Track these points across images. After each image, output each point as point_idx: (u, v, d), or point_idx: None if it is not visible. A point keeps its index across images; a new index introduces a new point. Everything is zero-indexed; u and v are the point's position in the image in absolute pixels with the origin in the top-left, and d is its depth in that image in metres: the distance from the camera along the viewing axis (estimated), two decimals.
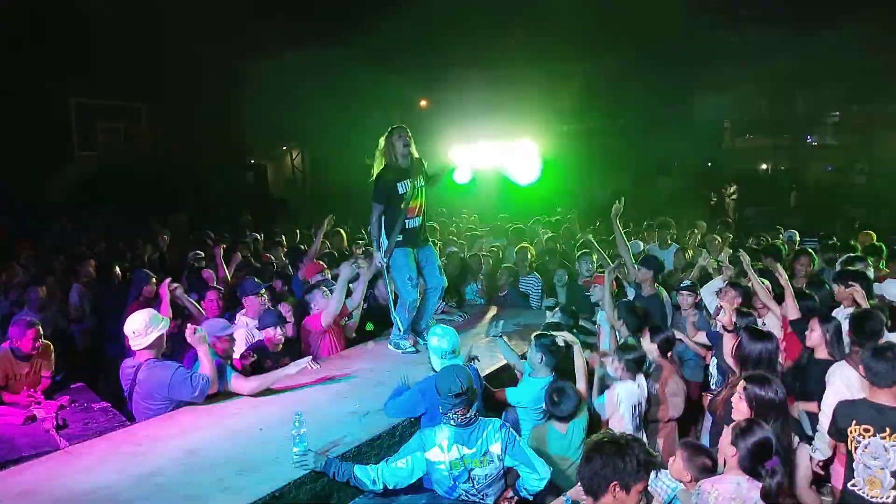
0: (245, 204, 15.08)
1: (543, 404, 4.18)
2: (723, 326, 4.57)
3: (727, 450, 3.06)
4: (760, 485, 2.95)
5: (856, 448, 3.49)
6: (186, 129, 14.89)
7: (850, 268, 5.60)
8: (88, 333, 6.90)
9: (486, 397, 4.29)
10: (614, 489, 2.51)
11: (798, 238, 8.57)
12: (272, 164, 21.98)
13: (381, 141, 5.32)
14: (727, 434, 3.09)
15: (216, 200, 15.07)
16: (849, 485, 3.55)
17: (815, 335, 4.33)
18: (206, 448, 3.62)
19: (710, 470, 3.20)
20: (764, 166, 23.02)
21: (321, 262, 6.82)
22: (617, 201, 6.10)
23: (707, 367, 5.16)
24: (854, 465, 3.51)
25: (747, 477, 2.99)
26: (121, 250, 9.30)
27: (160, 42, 13.25)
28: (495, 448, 3.38)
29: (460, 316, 6.44)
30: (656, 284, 6.04)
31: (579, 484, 2.69)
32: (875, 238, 7.80)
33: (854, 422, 3.49)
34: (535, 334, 4.48)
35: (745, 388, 3.45)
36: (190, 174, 15.81)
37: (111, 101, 15.20)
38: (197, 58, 14.11)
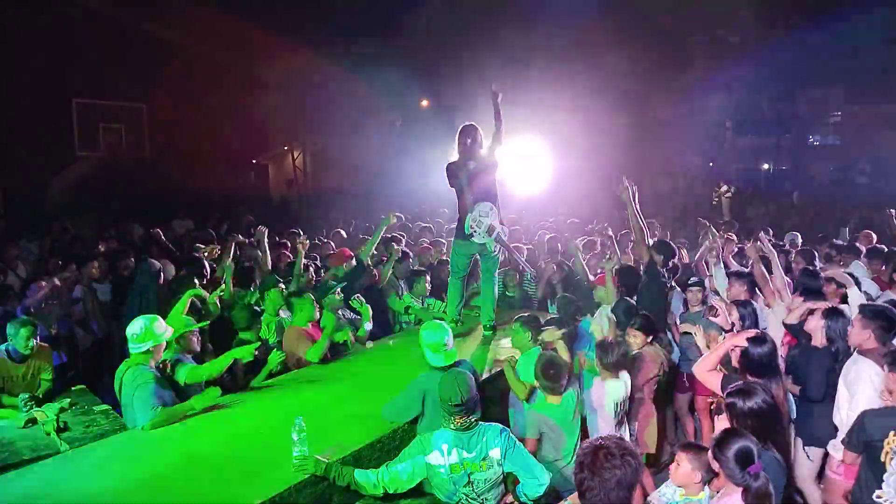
0: (246, 204, 15.08)
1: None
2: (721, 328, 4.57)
3: (713, 465, 2.94)
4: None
5: (891, 459, 3.31)
6: (186, 129, 14.88)
7: (847, 270, 5.61)
8: (90, 335, 6.90)
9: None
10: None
11: (800, 241, 8.50)
12: (273, 163, 22.00)
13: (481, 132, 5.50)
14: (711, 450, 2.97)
15: (217, 200, 15.06)
16: (874, 496, 3.35)
17: (814, 322, 4.31)
18: (206, 452, 3.63)
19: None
20: (766, 166, 23.01)
21: (348, 250, 6.85)
22: (619, 175, 5.90)
23: None
24: (886, 476, 3.32)
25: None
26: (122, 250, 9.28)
27: (160, 42, 13.27)
28: (495, 453, 3.38)
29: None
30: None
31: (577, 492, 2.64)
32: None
33: (893, 432, 3.33)
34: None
35: (727, 404, 3.24)
36: (191, 174, 15.82)
37: (112, 102, 15.23)
38: (197, 58, 14.12)
